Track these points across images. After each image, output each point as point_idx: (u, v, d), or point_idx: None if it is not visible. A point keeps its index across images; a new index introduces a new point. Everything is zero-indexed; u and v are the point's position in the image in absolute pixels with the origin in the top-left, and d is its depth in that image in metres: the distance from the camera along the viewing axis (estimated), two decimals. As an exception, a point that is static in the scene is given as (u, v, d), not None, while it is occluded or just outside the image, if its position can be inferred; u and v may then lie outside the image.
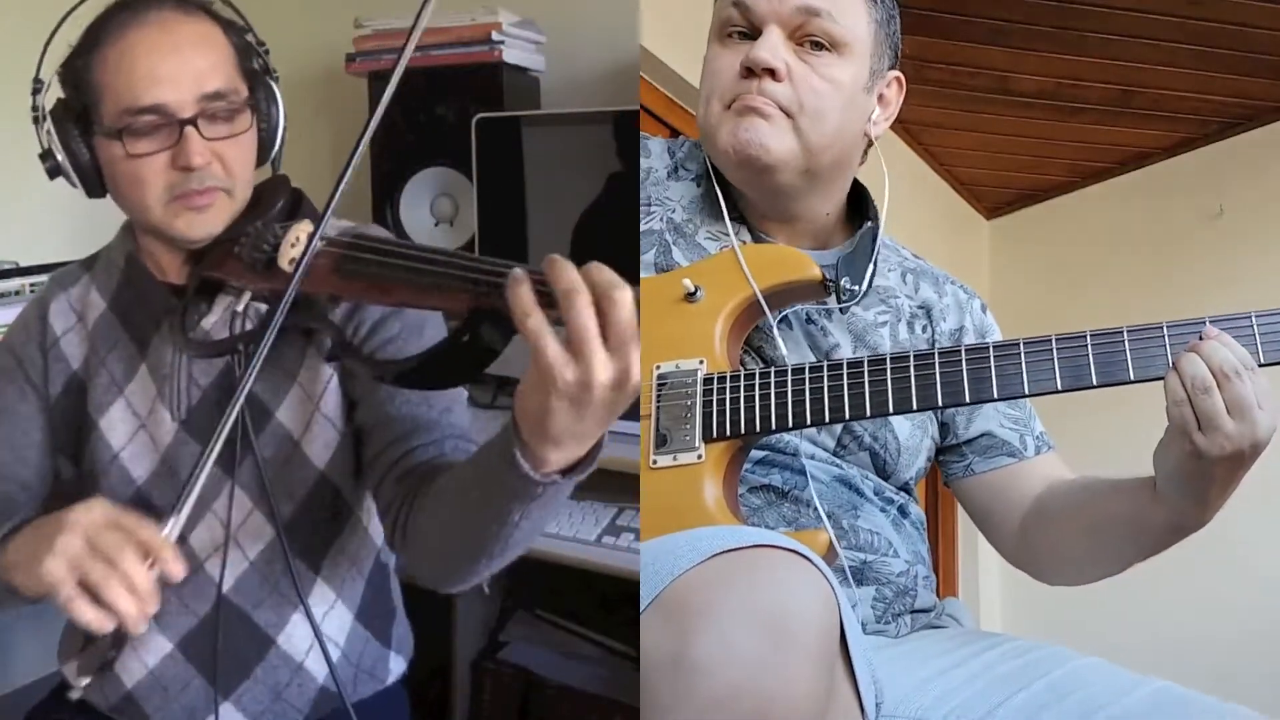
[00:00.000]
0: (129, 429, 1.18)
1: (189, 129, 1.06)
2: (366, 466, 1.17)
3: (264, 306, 1.11)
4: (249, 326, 1.11)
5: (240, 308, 1.10)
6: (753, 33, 1.12)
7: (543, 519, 0.95)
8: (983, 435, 1.22)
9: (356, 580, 1.25)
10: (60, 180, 1.15)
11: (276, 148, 1.19)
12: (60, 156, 1.11)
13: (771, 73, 1.09)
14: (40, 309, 1.24)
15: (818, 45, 1.11)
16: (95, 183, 1.13)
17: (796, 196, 1.16)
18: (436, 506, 1.03)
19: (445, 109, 2.10)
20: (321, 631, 1.18)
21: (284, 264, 1.02)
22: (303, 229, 1.04)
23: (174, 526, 0.95)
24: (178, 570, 0.93)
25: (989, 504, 1.22)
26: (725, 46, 1.13)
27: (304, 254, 0.96)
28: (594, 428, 0.85)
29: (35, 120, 1.12)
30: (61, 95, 1.12)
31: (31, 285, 1.84)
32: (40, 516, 1.04)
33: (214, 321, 1.15)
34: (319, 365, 1.16)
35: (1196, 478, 0.99)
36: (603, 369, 0.79)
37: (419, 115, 2.12)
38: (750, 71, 1.10)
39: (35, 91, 1.12)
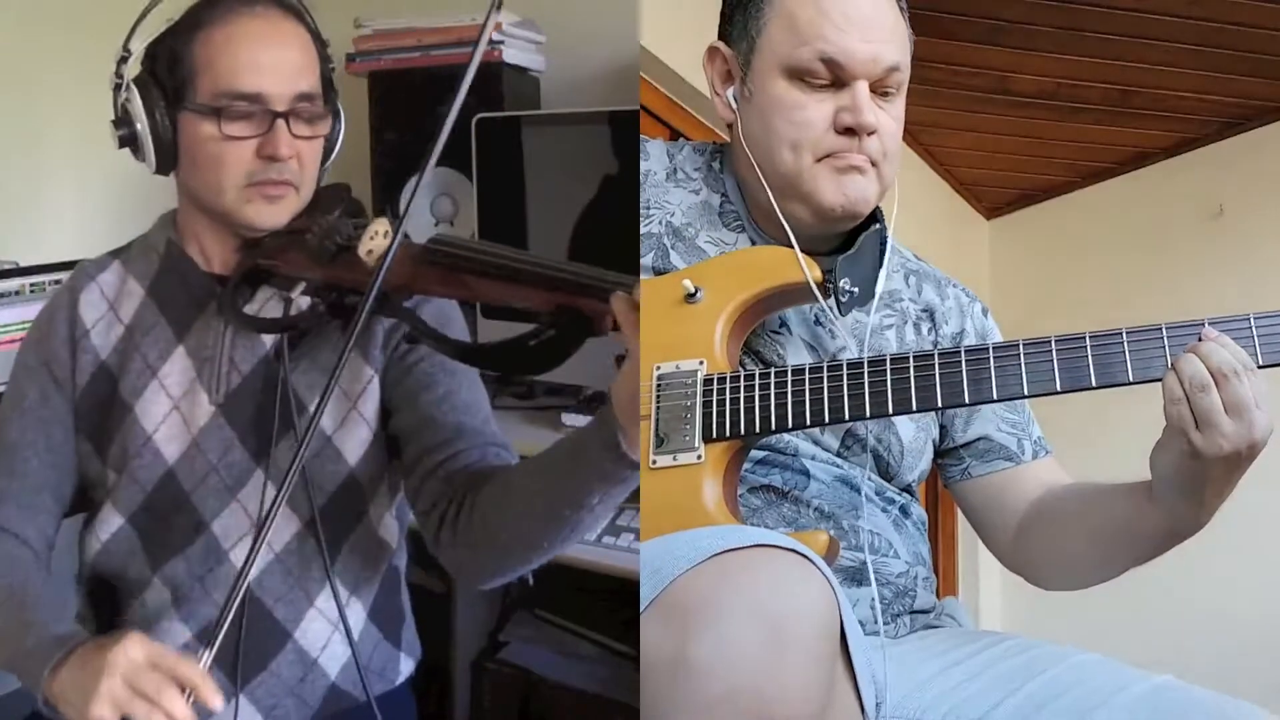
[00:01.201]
0: (162, 411, 1.19)
1: (280, 121, 1.11)
2: (407, 468, 1.19)
3: (308, 302, 1.14)
4: (296, 311, 1.15)
5: (294, 295, 1.13)
6: (834, 82, 1.12)
7: (608, 509, 1.01)
8: (980, 439, 1.23)
9: (371, 580, 1.26)
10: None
11: (334, 155, 1.24)
12: (140, 125, 1.14)
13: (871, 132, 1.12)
14: (71, 298, 1.25)
15: (885, 92, 1.13)
16: (170, 156, 1.16)
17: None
18: (506, 499, 1.07)
19: (445, 109, 2.09)
20: (348, 623, 1.20)
21: (363, 253, 1.05)
22: (381, 224, 1.08)
23: (208, 657, 0.99)
24: (216, 703, 0.98)
25: (985, 508, 1.22)
26: (807, 94, 1.12)
27: (389, 247, 0.98)
28: None
29: (116, 88, 1.15)
30: (148, 68, 1.15)
31: (32, 285, 1.84)
32: (83, 646, 1.06)
33: (257, 309, 1.18)
34: (360, 366, 1.19)
35: (1193, 478, 1.00)
36: None
37: (419, 115, 2.12)
38: (850, 130, 1.11)
39: (122, 60, 1.15)
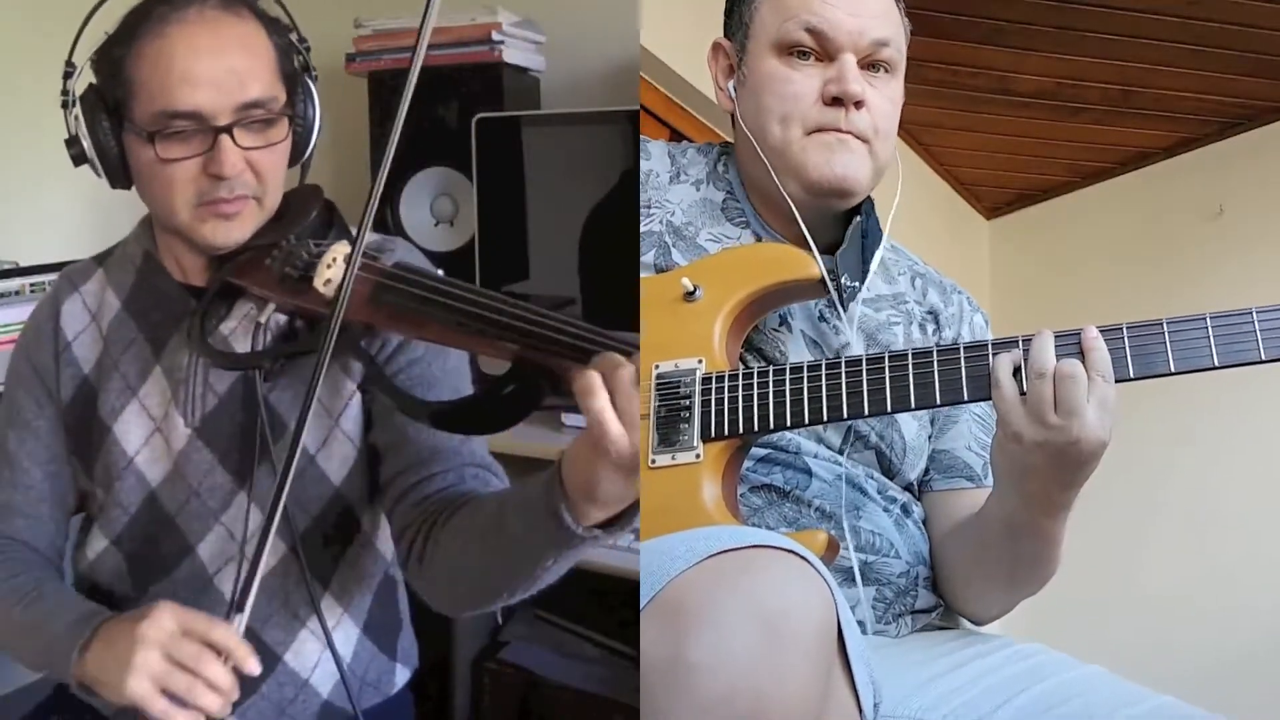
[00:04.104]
0: (144, 433, 1.16)
1: (223, 137, 1.03)
2: (382, 488, 1.16)
3: (284, 319, 1.11)
4: (269, 339, 1.10)
5: (263, 319, 1.09)
6: (821, 55, 1.13)
7: (570, 563, 0.97)
8: (946, 452, 1.22)
9: (364, 595, 1.24)
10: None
11: (309, 150, 1.17)
12: (87, 144, 1.09)
13: (858, 103, 1.12)
14: (53, 309, 1.21)
15: (876, 66, 1.14)
16: (120, 175, 1.10)
17: (846, 209, 1.18)
18: (463, 542, 1.04)
19: (445, 109, 2.10)
20: (338, 655, 1.17)
21: (319, 284, 1.01)
22: (340, 249, 1.03)
23: (240, 622, 0.97)
24: (254, 666, 0.96)
25: (938, 522, 1.21)
26: (794, 68, 1.14)
27: (343, 278, 0.95)
28: (634, 491, 0.90)
29: (64, 105, 1.09)
30: (94, 82, 1.09)
31: (31, 285, 1.84)
32: (108, 622, 1.04)
33: (233, 328, 1.13)
34: (341, 382, 1.14)
35: (1012, 461, 1.01)
36: (632, 447, 0.85)
37: (419, 115, 2.11)
38: (837, 101, 1.11)
39: (66, 75, 1.09)
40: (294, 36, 1.14)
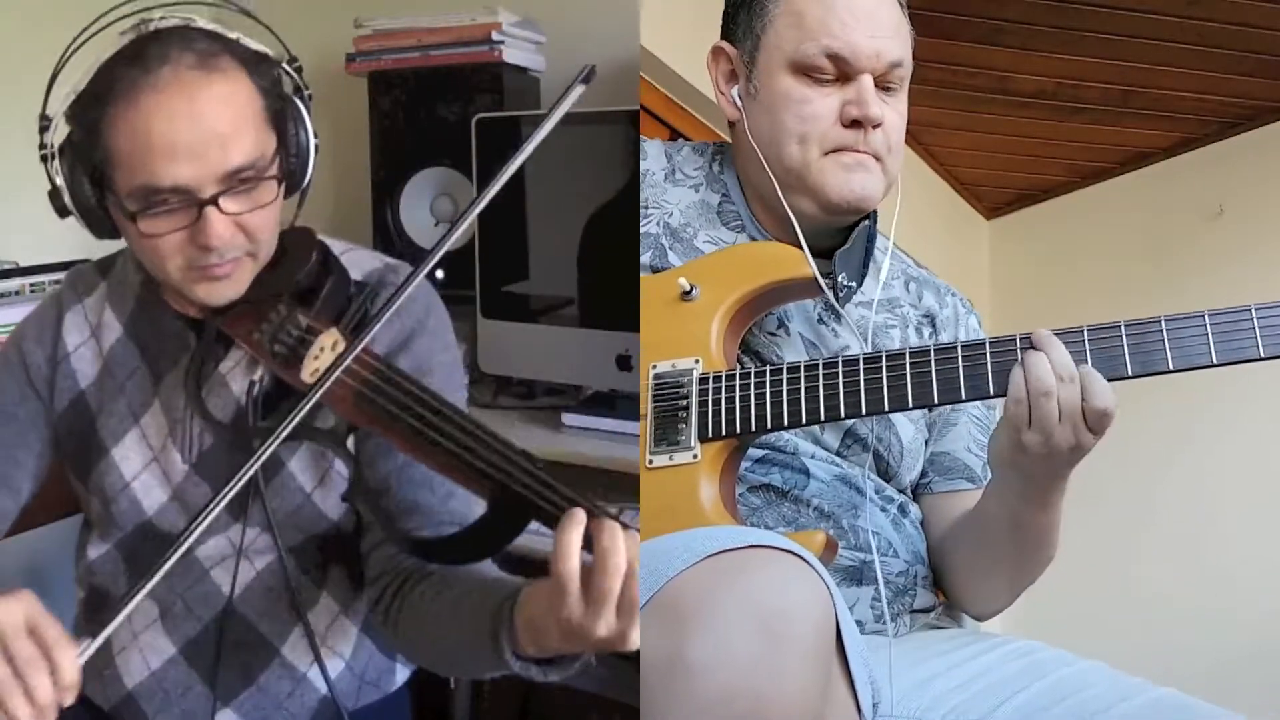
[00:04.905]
0: (142, 460, 1.16)
1: (209, 209, 0.98)
2: (362, 529, 1.17)
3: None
4: (261, 390, 1.08)
5: (257, 376, 1.08)
6: (839, 76, 1.13)
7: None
8: (946, 453, 1.23)
9: (361, 595, 1.23)
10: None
11: (306, 180, 1.12)
12: (68, 199, 1.05)
13: (876, 125, 1.13)
14: (56, 314, 1.20)
15: (888, 85, 1.14)
16: (106, 228, 1.07)
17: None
18: (420, 619, 1.07)
19: (445, 109, 2.10)
20: (324, 665, 1.18)
21: (306, 374, 1.00)
22: (328, 339, 1.00)
23: (90, 648, 0.92)
24: (68, 699, 0.90)
25: (939, 523, 1.22)
26: (813, 89, 1.14)
27: (330, 368, 0.95)
28: (579, 651, 0.91)
29: (43, 159, 1.04)
30: (70, 136, 1.04)
31: (32, 285, 1.84)
32: None
33: (230, 367, 1.13)
34: (334, 420, 1.12)
35: (1015, 469, 1.03)
36: (605, 628, 0.84)
37: (419, 115, 2.12)
38: (855, 123, 1.12)
39: (43, 129, 1.04)
40: (283, 65, 1.09)
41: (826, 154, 1.13)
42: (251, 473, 0.96)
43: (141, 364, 1.17)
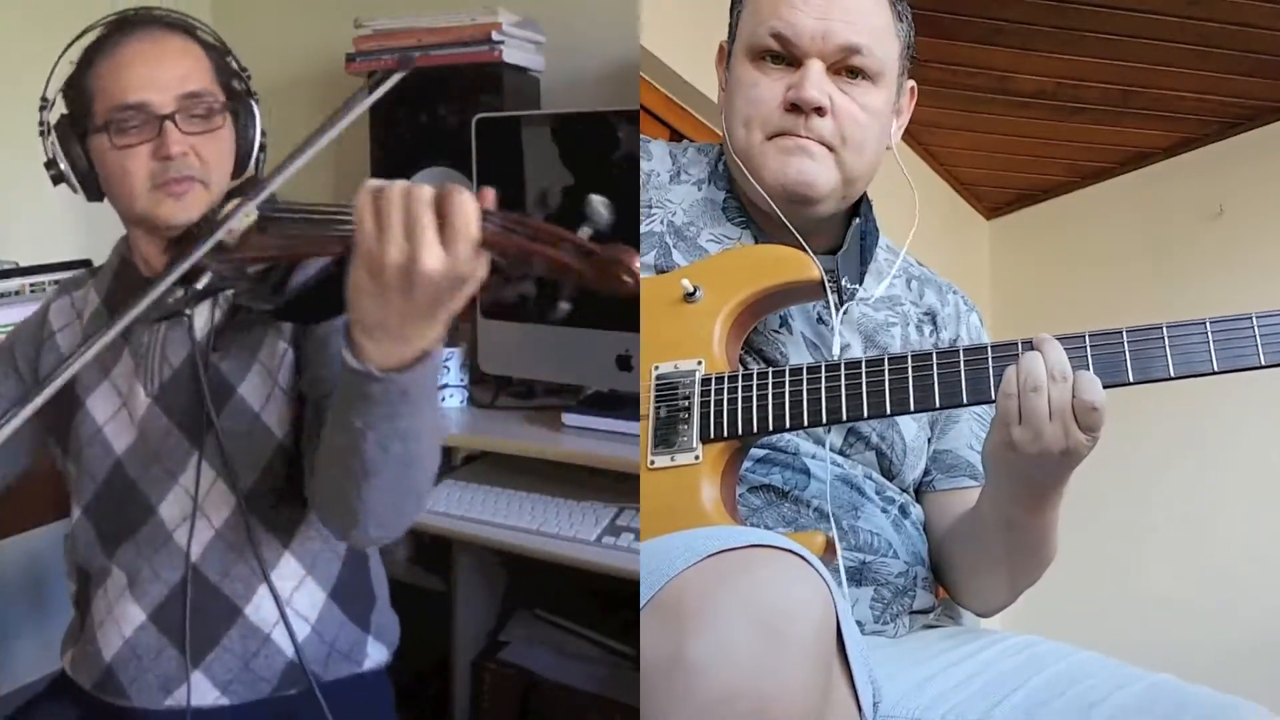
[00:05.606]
0: (112, 406, 1.25)
1: (168, 123, 1.16)
2: (306, 424, 1.21)
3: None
4: (220, 316, 1.22)
5: (200, 285, 1.14)
6: (791, 60, 1.12)
7: (393, 438, 0.97)
8: (949, 452, 1.23)
9: (330, 560, 1.28)
10: (62, 184, 1.23)
11: (253, 160, 1.27)
12: (63, 164, 1.22)
13: (818, 109, 1.11)
14: (44, 306, 1.35)
15: (854, 73, 1.13)
16: (94, 186, 1.23)
17: (828, 216, 1.18)
18: (322, 440, 1.09)
19: (445, 109, 2.10)
20: (283, 600, 1.23)
21: (223, 234, 1.09)
22: (235, 201, 1.13)
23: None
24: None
25: (942, 521, 1.21)
26: (762, 72, 1.14)
27: (230, 211, 1.07)
28: (415, 328, 0.89)
29: (42, 134, 1.23)
30: (65, 110, 1.22)
31: (32, 285, 1.84)
32: None
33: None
34: (275, 341, 1.22)
35: (1006, 466, 1.02)
36: (431, 255, 0.84)
37: (419, 115, 2.12)
38: (795, 107, 1.11)
39: (42, 108, 1.23)
40: (231, 61, 1.27)
41: (769, 138, 1.13)
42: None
43: (111, 323, 1.22)
